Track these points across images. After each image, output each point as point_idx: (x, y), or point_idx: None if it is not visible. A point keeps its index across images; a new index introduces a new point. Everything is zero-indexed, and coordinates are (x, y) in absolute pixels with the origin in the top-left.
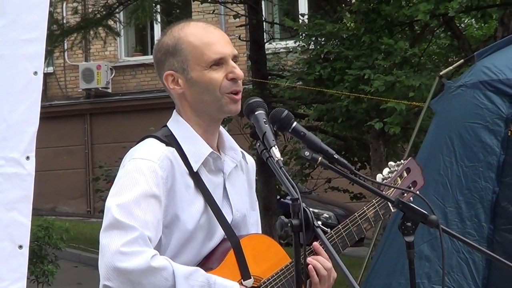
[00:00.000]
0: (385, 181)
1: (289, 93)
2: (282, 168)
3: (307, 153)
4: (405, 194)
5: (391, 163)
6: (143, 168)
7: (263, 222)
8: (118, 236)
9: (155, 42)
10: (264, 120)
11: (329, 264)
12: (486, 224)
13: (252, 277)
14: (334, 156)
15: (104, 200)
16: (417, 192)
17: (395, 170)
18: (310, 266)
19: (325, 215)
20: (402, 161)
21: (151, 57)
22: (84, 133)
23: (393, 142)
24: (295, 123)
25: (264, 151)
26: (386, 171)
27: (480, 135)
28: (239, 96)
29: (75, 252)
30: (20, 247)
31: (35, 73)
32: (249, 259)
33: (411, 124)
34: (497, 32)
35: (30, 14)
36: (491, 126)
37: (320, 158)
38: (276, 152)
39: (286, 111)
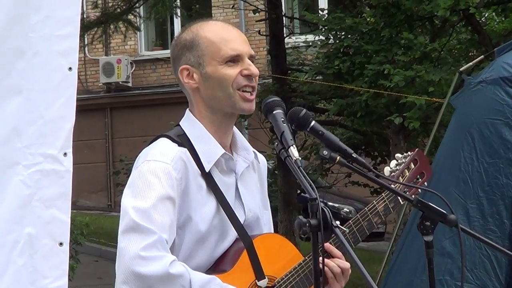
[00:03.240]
0: (393, 174)
1: (308, 88)
2: (300, 167)
3: (325, 152)
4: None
5: (398, 155)
6: (157, 170)
7: (283, 217)
8: (137, 240)
9: (175, 36)
10: (282, 119)
11: (345, 264)
12: (508, 221)
13: (266, 277)
14: (353, 155)
15: None
16: (425, 184)
17: (403, 162)
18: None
19: (345, 209)
20: (409, 152)
21: None
22: (105, 127)
23: (413, 137)
24: (313, 122)
25: (282, 150)
26: (393, 163)
27: (501, 131)
28: (252, 96)
29: (96, 246)
30: (61, 244)
31: (70, 69)
32: (262, 259)
33: (431, 119)
34: None
35: (64, 9)
36: (511, 123)
37: (338, 157)
38: (294, 151)
39: (304, 110)
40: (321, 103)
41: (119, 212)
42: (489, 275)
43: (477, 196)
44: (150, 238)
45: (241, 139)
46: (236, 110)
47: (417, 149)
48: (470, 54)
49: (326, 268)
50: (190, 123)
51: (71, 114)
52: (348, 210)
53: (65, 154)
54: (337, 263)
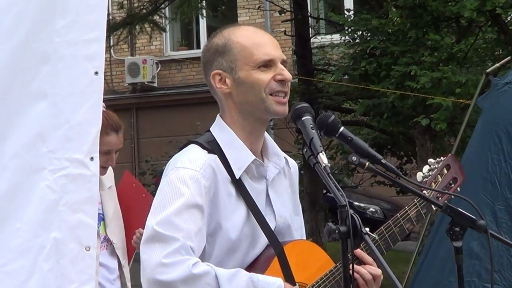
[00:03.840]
0: (426, 179)
1: (334, 89)
2: (329, 174)
3: (354, 158)
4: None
5: (431, 160)
6: (186, 178)
7: (309, 217)
8: (159, 249)
9: (204, 40)
10: (311, 125)
11: (376, 271)
12: None
13: (297, 283)
14: (382, 161)
15: (151, 195)
16: (458, 189)
17: (435, 167)
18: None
19: (371, 209)
20: (441, 158)
21: (196, 51)
22: (130, 128)
23: (439, 137)
24: (342, 128)
25: (311, 157)
26: (426, 168)
27: None
28: (285, 99)
29: None
30: (88, 248)
31: (96, 73)
32: (293, 265)
33: (457, 119)
34: None
35: (90, 14)
36: None
37: (367, 163)
38: (323, 158)
39: (333, 116)
40: (347, 103)
41: None
42: None
43: (505, 198)
44: (173, 245)
45: (272, 145)
46: (270, 114)
47: (450, 154)
48: (496, 53)
49: (357, 275)
50: (220, 129)
51: (97, 118)
52: (374, 210)
53: (91, 158)
54: (368, 270)
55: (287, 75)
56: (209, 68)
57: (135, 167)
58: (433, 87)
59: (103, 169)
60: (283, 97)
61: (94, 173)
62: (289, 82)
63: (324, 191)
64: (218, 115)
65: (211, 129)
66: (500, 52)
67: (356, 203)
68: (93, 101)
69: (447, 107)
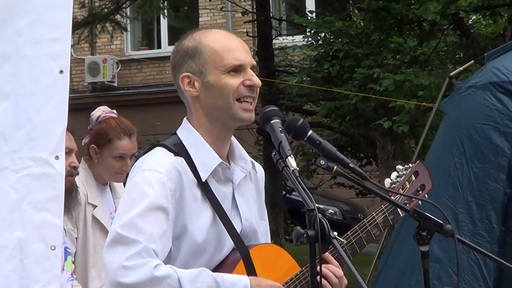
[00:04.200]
0: (394, 185)
1: (297, 91)
2: (298, 178)
3: (322, 162)
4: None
5: (399, 166)
6: (151, 180)
7: (269, 218)
8: (121, 251)
9: (165, 40)
10: (280, 129)
11: (340, 272)
12: (497, 225)
13: None
14: (350, 165)
15: None
16: (426, 196)
17: (403, 174)
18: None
19: (330, 210)
20: (410, 164)
21: (157, 51)
22: None
23: (400, 140)
24: (310, 132)
25: (280, 160)
26: (394, 175)
27: (491, 137)
28: (252, 106)
29: None
30: (53, 247)
31: (61, 72)
32: (258, 269)
33: (418, 122)
34: (506, 31)
35: (54, 13)
36: (501, 128)
37: (335, 167)
38: (292, 161)
39: (302, 120)
40: (307, 105)
41: None
42: (477, 280)
43: (466, 201)
44: (134, 248)
45: (239, 149)
46: (236, 120)
47: (418, 161)
48: (456, 57)
49: (324, 281)
50: (187, 132)
51: (63, 117)
52: (333, 212)
53: (57, 157)
54: (331, 270)
55: (256, 80)
56: (178, 70)
57: None
58: (395, 90)
59: (119, 176)
60: (251, 103)
61: (59, 172)
62: (258, 88)
63: (284, 193)
64: (185, 118)
65: (177, 132)
66: (461, 56)
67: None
68: (58, 99)
69: (409, 110)
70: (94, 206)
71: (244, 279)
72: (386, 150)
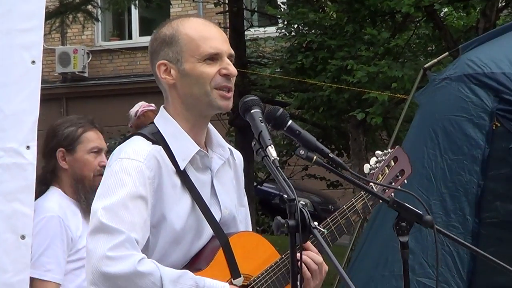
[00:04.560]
0: (373, 171)
1: (271, 82)
2: (278, 167)
3: (302, 152)
4: (393, 184)
5: (378, 152)
6: (129, 168)
7: None
8: (104, 240)
9: (136, 31)
10: (260, 118)
11: (319, 258)
12: (471, 217)
13: (242, 275)
14: (329, 155)
15: None
16: (405, 182)
17: (382, 159)
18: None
19: (301, 202)
20: (389, 150)
21: (128, 42)
22: (60, 117)
23: (372, 132)
24: (290, 121)
25: (260, 150)
26: (373, 160)
27: (465, 128)
28: (230, 94)
29: None
30: (23, 237)
31: (33, 62)
32: (238, 257)
33: (390, 114)
34: (479, 24)
35: (26, 3)
36: (475, 120)
37: (315, 157)
38: (272, 151)
39: (281, 110)
40: (279, 97)
41: None
42: (451, 271)
43: (440, 193)
44: (118, 238)
45: (216, 136)
46: (213, 108)
47: (397, 147)
48: (428, 49)
49: (304, 268)
50: (164, 120)
51: (34, 107)
52: (304, 203)
53: (28, 147)
54: (310, 256)
55: (232, 69)
56: (155, 58)
57: None
58: (369, 81)
59: None
60: (227, 91)
61: (30, 162)
62: (234, 77)
63: (255, 184)
64: (162, 106)
65: (155, 120)
66: (433, 48)
67: (286, 196)
68: (30, 90)
69: (383, 102)
70: None
71: (226, 286)
72: (358, 141)
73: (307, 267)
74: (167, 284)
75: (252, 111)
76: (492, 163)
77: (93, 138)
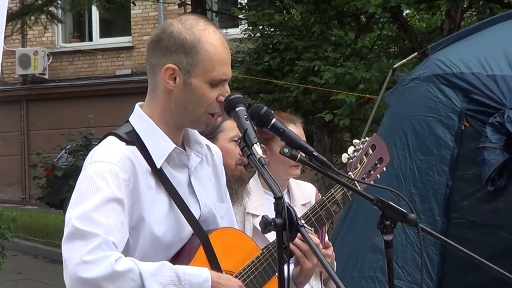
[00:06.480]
0: (351, 160)
1: (238, 83)
2: (265, 166)
3: (286, 150)
4: (372, 172)
5: (356, 140)
6: (104, 172)
7: None
8: (80, 246)
9: (96, 32)
10: (245, 116)
11: (316, 239)
12: (440, 218)
13: (223, 272)
14: (313, 153)
15: (42, 188)
16: (385, 169)
17: (360, 148)
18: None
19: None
20: (366, 138)
21: (88, 43)
22: (20, 119)
23: (336, 133)
24: (274, 120)
25: (246, 148)
26: (351, 149)
27: (434, 129)
28: (215, 118)
29: (15, 240)
30: None
31: None
32: (219, 254)
33: (355, 115)
34: (444, 25)
35: None
36: (444, 120)
37: (299, 155)
38: (258, 149)
39: (265, 108)
40: (247, 98)
41: (34, 205)
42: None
43: (409, 193)
44: (94, 242)
45: (193, 133)
46: (195, 127)
47: (374, 134)
48: (390, 50)
49: (293, 247)
50: (139, 119)
51: None
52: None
53: None
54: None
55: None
56: (165, 56)
57: (24, 159)
58: (336, 82)
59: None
60: (214, 116)
61: None
62: None
63: None
64: (137, 104)
65: (130, 119)
66: (395, 49)
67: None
68: None
69: (350, 103)
70: (255, 216)
71: (205, 271)
72: (322, 143)
73: (299, 249)
74: (147, 278)
75: (237, 109)
76: (461, 163)
77: (233, 127)
